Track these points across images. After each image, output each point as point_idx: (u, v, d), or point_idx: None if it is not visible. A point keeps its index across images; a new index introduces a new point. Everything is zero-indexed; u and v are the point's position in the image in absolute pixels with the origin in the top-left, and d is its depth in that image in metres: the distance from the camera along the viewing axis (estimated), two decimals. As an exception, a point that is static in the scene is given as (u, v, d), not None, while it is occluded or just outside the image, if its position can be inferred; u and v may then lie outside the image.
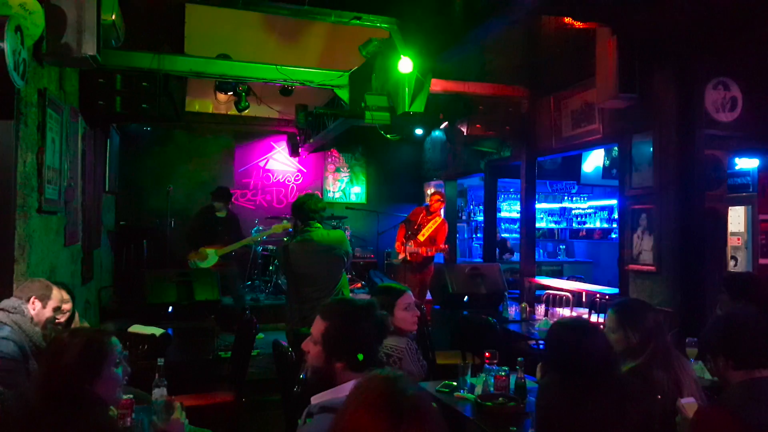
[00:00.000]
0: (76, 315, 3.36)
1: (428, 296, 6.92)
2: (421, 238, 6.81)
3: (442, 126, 8.12)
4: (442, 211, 7.10)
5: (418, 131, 7.92)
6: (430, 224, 6.89)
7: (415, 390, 1.26)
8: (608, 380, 2.18)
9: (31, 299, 2.89)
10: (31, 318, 2.80)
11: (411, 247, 6.74)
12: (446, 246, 6.88)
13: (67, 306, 3.18)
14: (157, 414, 2.18)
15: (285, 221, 6.94)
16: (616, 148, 6.75)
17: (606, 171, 8.80)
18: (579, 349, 2.19)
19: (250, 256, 8.29)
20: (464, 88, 6.34)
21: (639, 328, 2.48)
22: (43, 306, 2.92)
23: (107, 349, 1.93)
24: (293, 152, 9.38)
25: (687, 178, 4.68)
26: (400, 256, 6.84)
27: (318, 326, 1.88)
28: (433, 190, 7.47)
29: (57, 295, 3.02)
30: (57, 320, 3.02)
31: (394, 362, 2.87)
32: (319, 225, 4.11)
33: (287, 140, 9.37)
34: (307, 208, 4.11)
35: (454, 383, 3.19)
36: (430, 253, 6.74)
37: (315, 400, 1.82)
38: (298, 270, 4.13)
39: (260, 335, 6.38)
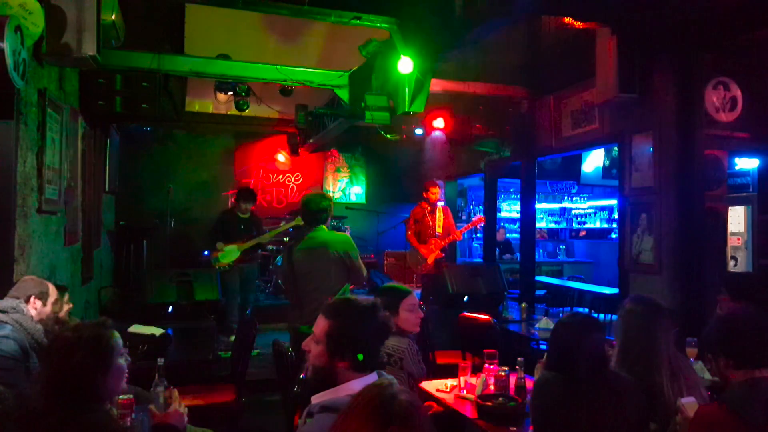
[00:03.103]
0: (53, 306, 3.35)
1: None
2: (439, 230, 6.89)
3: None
4: (440, 203, 7.15)
5: (418, 131, 7.95)
6: (438, 216, 6.94)
7: (405, 397, 1.31)
8: (602, 379, 2.19)
9: (32, 299, 2.89)
10: (31, 316, 2.80)
11: (435, 245, 6.83)
12: (459, 233, 7.05)
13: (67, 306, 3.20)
14: (156, 404, 2.17)
15: (298, 218, 6.89)
16: (616, 148, 6.75)
17: (606, 171, 8.81)
18: (577, 348, 2.20)
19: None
20: (464, 88, 6.33)
21: (650, 340, 2.44)
22: (44, 304, 2.93)
23: (113, 342, 1.96)
24: (293, 152, 9.38)
25: (687, 178, 4.68)
26: (429, 260, 6.84)
27: (321, 325, 1.85)
28: (430, 183, 7.42)
29: (53, 290, 3.03)
30: (57, 315, 3.04)
31: (395, 362, 2.87)
32: (322, 226, 4.07)
33: (287, 140, 9.36)
34: (313, 208, 4.06)
35: (454, 383, 3.19)
36: (445, 243, 6.91)
37: (315, 399, 1.82)
38: (300, 270, 4.13)
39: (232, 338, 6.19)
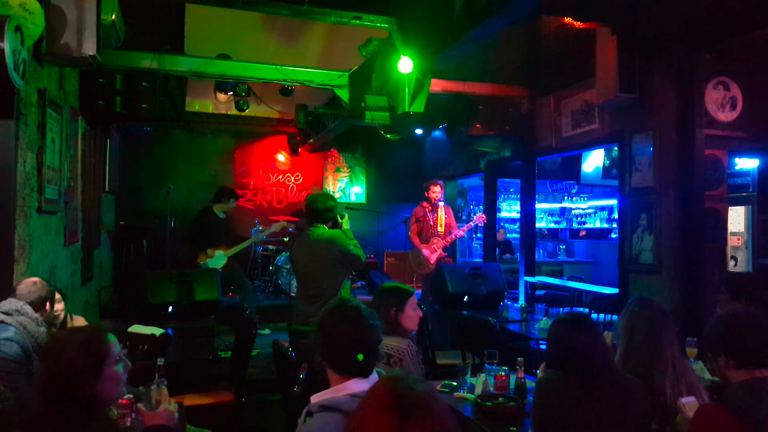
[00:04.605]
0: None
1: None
2: (440, 229, 6.86)
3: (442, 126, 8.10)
4: (440, 203, 7.12)
5: (418, 131, 7.94)
6: (439, 215, 6.92)
7: (422, 387, 1.28)
8: (607, 378, 2.19)
9: (46, 304, 2.89)
10: (36, 319, 2.79)
11: (437, 245, 6.79)
12: (462, 231, 7.03)
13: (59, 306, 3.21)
14: (145, 403, 2.15)
15: (282, 222, 7.03)
16: (616, 148, 6.75)
17: (606, 171, 8.80)
18: (576, 346, 2.20)
19: (250, 256, 8.29)
20: (464, 88, 6.33)
21: (656, 344, 2.44)
22: (51, 305, 2.94)
23: (107, 347, 1.90)
24: (293, 152, 9.38)
25: (687, 178, 4.68)
26: (432, 259, 6.81)
27: None
28: (431, 182, 7.36)
29: (52, 290, 3.03)
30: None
31: (394, 362, 2.88)
32: (322, 225, 4.09)
33: (287, 140, 9.36)
34: (313, 208, 4.09)
35: (454, 383, 3.19)
36: (447, 242, 6.88)
37: (315, 399, 1.83)
38: (298, 269, 4.17)
39: (266, 330, 6.47)
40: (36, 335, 2.71)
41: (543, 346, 4.46)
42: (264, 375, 5.14)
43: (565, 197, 11.27)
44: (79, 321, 3.62)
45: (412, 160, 9.91)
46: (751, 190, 6.23)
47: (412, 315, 3.05)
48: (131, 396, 2.34)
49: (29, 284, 2.93)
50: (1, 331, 2.61)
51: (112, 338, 1.95)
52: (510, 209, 10.92)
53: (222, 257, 6.53)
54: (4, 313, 2.70)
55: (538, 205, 8.33)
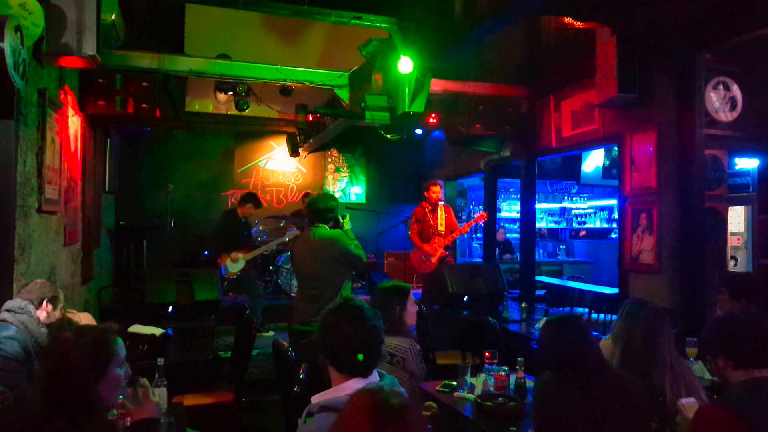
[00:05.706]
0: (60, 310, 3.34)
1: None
2: (441, 228, 6.84)
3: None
4: (441, 203, 7.10)
5: (418, 131, 7.94)
6: (440, 215, 6.90)
7: (399, 399, 1.37)
8: (604, 378, 2.19)
9: (44, 303, 2.88)
10: (37, 319, 2.78)
11: (438, 244, 6.78)
12: (464, 227, 7.04)
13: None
14: (131, 399, 2.14)
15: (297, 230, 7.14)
16: (616, 148, 6.75)
17: (606, 171, 8.81)
18: (567, 346, 2.20)
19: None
20: (464, 88, 6.33)
21: (653, 346, 2.45)
22: (54, 308, 2.93)
23: (114, 349, 1.91)
24: (293, 152, 9.37)
25: (687, 178, 4.68)
26: (434, 259, 6.79)
27: None
28: (431, 182, 7.33)
29: (60, 294, 3.03)
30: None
31: (398, 362, 2.90)
32: (323, 225, 4.09)
33: (287, 140, 9.37)
34: (314, 208, 4.10)
35: (454, 383, 3.19)
36: (448, 241, 6.86)
37: (315, 399, 1.85)
38: (299, 269, 4.17)
39: (271, 332, 6.49)
40: (36, 335, 2.71)
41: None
42: (264, 375, 5.14)
43: (565, 197, 11.27)
44: (86, 318, 3.61)
45: (412, 160, 9.91)
46: (751, 190, 6.24)
47: (412, 311, 3.12)
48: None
49: (32, 284, 2.95)
50: (1, 330, 2.61)
51: (119, 341, 1.96)
52: (510, 209, 10.93)
53: (242, 261, 6.67)
54: (7, 311, 2.71)
55: (538, 205, 8.33)
